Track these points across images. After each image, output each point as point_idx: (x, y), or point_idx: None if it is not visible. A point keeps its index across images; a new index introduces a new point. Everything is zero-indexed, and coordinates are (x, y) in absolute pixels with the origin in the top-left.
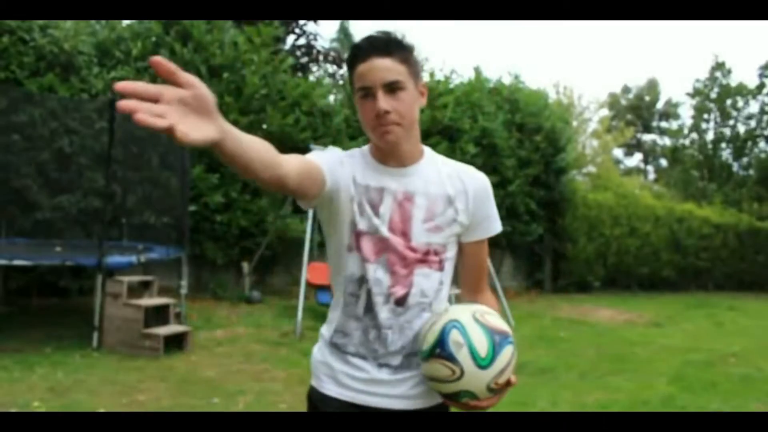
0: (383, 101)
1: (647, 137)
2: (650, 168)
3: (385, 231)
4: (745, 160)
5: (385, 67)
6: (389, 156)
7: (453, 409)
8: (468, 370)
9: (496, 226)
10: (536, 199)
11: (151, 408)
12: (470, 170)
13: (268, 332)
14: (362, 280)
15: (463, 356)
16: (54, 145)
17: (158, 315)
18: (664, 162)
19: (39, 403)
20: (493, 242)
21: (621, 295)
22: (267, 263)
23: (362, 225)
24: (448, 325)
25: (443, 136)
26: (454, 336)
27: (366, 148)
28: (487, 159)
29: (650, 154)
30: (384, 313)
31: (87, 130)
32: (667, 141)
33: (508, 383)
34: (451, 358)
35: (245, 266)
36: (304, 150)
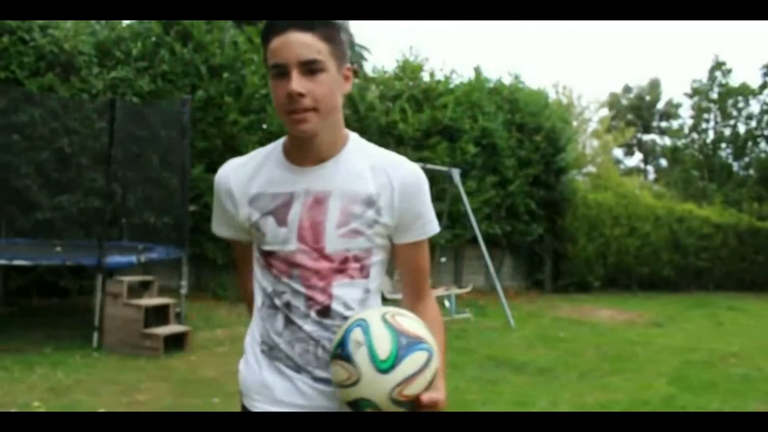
0: (297, 82)
1: (647, 137)
2: (650, 168)
3: (293, 243)
4: (745, 160)
5: (303, 42)
6: (303, 149)
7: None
8: (365, 373)
9: (430, 227)
10: (536, 199)
11: (151, 408)
12: (399, 161)
13: None
14: (275, 293)
15: (360, 357)
16: (54, 145)
17: (158, 315)
18: (664, 162)
19: (39, 403)
20: (493, 242)
21: (621, 295)
22: None
23: (267, 246)
24: (352, 324)
25: (443, 136)
26: (355, 335)
27: (280, 142)
28: (487, 159)
29: (650, 154)
30: (308, 326)
31: (87, 130)
32: (667, 141)
33: (426, 402)
34: (348, 358)
35: None
36: None
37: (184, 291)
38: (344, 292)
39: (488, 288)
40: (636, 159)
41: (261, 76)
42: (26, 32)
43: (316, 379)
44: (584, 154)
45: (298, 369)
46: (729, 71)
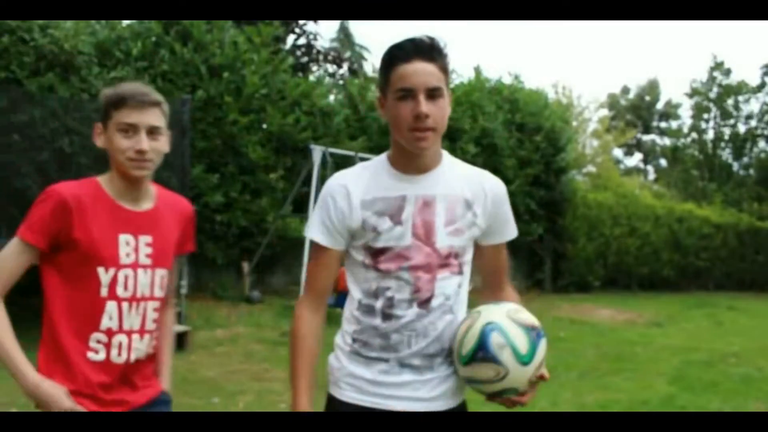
0: (425, 105)
1: (647, 137)
2: (650, 168)
3: (408, 239)
4: (745, 160)
5: (429, 72)
6: (411, 162)
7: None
8: (512, 369)
9: (513, 231)
10: (536, 199)
11: None
12: (488, 175)
13: (268, 332)
14: (378, 291)
15: (506, 357)
16: (54, 145)
17: None
18: (664, 162)
19: None
20: None
21: (621, 295)
22: (267, 263)
23: (380, 243)
24: (486, 328)
25: (443, 136)
26: (495, 338)
27: (384, 156)
28: (487, 159)
29: (650, 154)
30: (408, 316)
31: (87, 130)
32: (667, 141)
33: (544, 376)
34: (495, 359)
35: (245, 266)
36: (304, 150)
37: (184, 291)
38: (444, 285)
39: None
40: (636, 159)
41: (261, 76)
42: (26, 32)
43: (403, 366)
44: (584, 154)
45: (387, 359)
46: (729, 71)
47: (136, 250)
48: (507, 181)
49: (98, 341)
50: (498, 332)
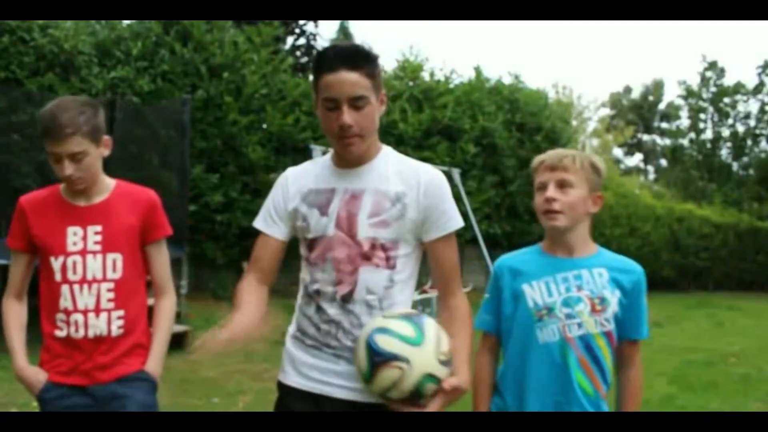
0: (347, 115)
1: (648, 137)
2: (650, 168)
3: (331, 228)
4: (744, 159)
5: (352, 81)
6: (343, 157)
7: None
8: (411, 355)
9: (453, 223)
10: None
11: None
12: (424, 166)
13: (268, 332)
14: (311, 283)
15: (398, 347)
16: None
17: None
18: (664, 162)
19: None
20: (493, 242)
21: None
22: None
23: (311, 234)
24: (369, 338)
25: (443, 136)
26: (380, 338)
27: (330, 154)
28: (487, 159)
29: (650, 154)
30: (332, 309)
31: None
32: (667, 141)
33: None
34: (390, 356)
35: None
36: (304, 150)
37: (183, 291)
38: (368, 278)
39: None
40: (636, 159)
41: (261, 76)
42: (26, 32)
43: (338, 357)
44: None
45: (321, 349)
46: (723, 71)
47: (84, 238)
48: (507, 181)
49: (61, 320)
50: (380, 333)
